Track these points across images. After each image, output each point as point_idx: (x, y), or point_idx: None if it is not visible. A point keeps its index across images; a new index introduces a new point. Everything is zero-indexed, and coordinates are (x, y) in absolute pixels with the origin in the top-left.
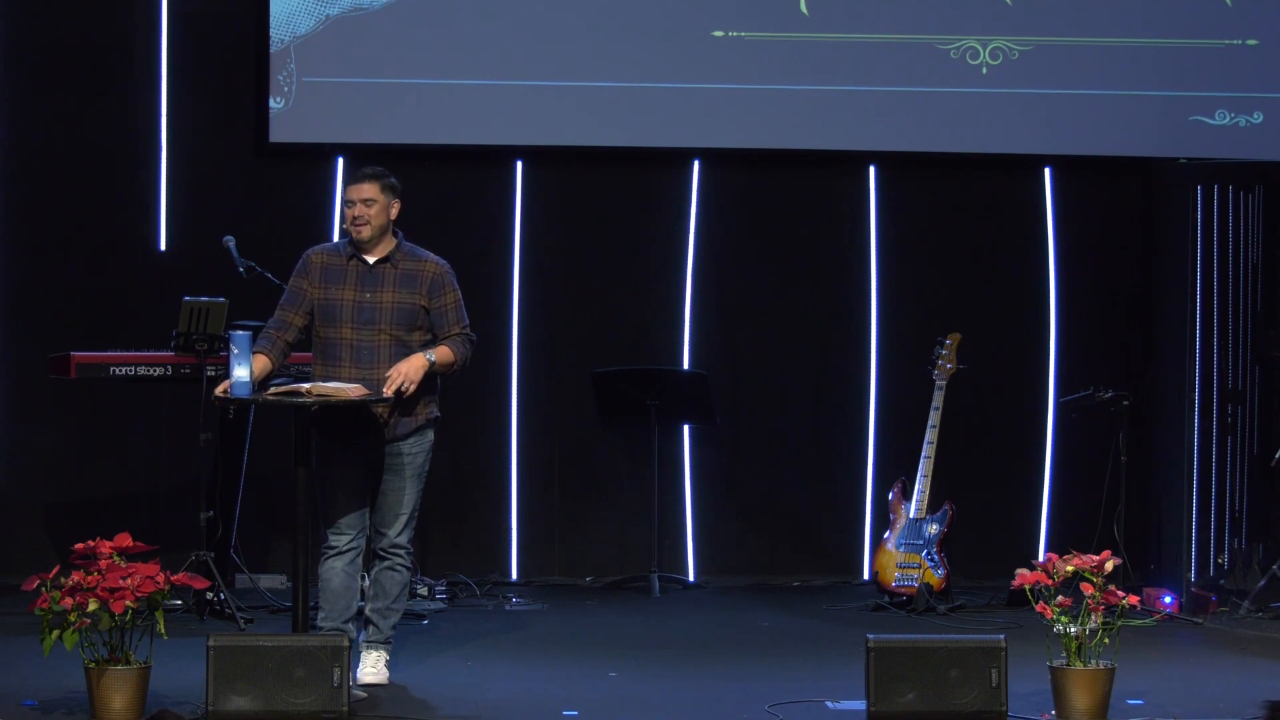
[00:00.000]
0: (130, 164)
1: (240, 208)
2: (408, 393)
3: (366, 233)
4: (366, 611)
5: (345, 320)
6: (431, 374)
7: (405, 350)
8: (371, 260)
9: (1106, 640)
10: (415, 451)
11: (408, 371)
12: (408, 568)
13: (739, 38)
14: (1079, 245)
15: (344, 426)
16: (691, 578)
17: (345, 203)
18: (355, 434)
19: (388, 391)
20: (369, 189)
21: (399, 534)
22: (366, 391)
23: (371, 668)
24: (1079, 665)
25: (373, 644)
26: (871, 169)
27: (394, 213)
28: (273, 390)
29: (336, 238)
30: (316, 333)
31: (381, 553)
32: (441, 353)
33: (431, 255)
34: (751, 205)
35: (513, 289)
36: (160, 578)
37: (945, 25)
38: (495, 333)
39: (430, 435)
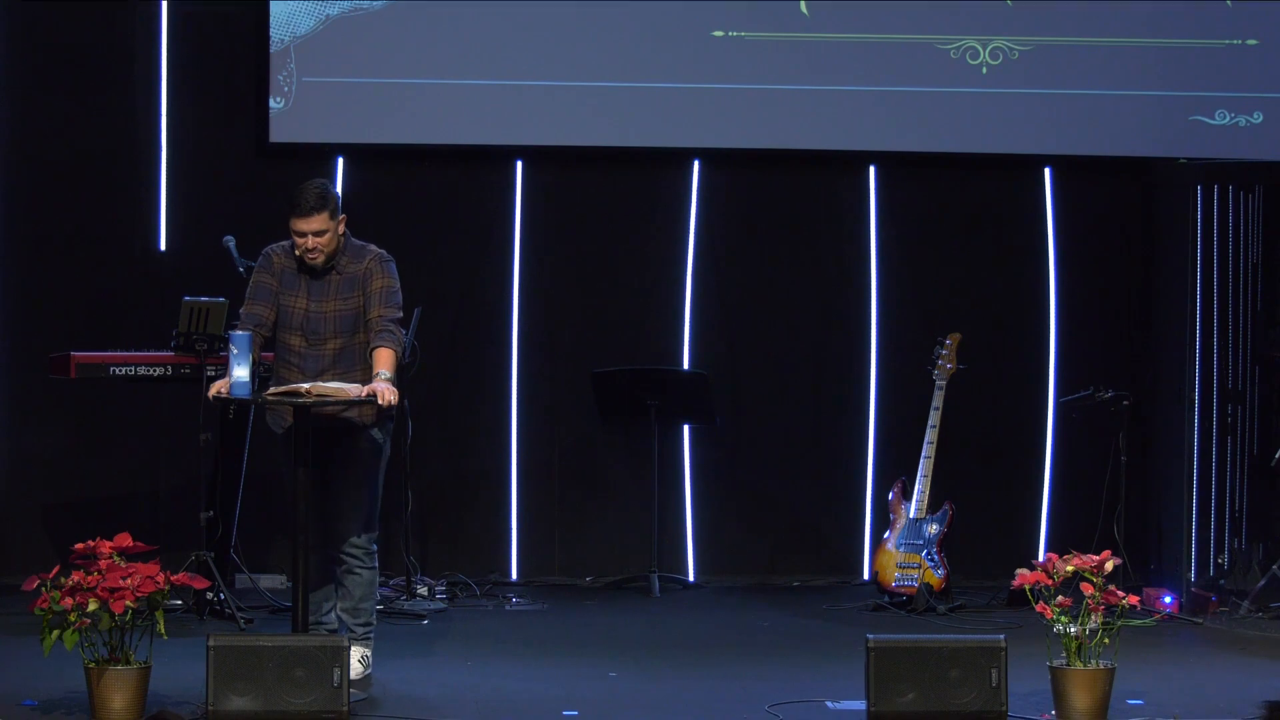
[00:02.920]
0: (130, 164)
1: (240, 208)
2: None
3: (320, 260)
4: (338, 612)
5: (296, 328)
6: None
7: (350, 354)
8: (318, 269)
9: (1106, 640)
10: (366, 448)
11: (383, 391)
12: (367, 565)
13: (739, 38)
14: (1079, 245)
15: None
16: (691, 578)
17: (296, 232)
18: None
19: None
20: (318, 221)
21: (354, 534)
22: (365, 391)
23: (359, 662)
24: (1079, 665)
25: (352, 640)
26: (871, 169)
27: (341, 228)
28: (273, 390)
29: None
30: (275, 334)
31: (340, 556)
32: (385, 363)
33: (372, 248)
34: (751, 205)
35: (513, 289)
36: (160, 578)
37: (945, 25)
38: (495, 333)
39: (378, 434)
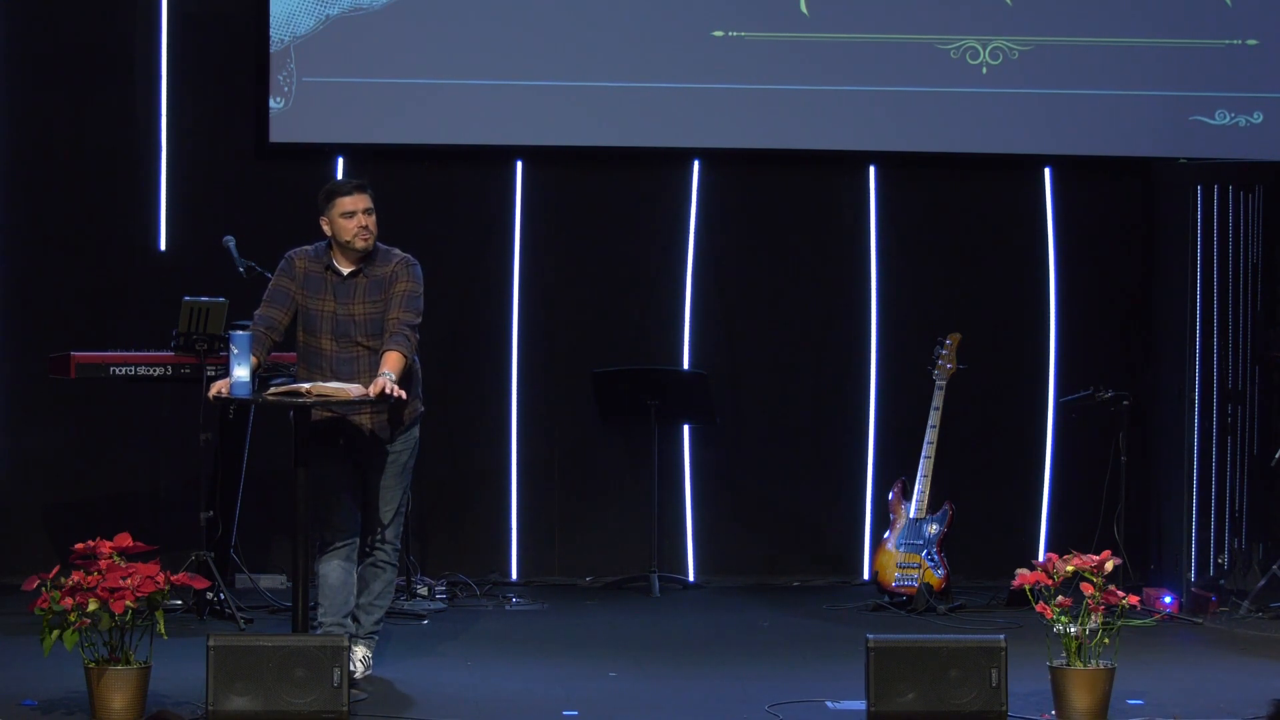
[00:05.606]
0: (130, 164)
1: (240, 208)
2: (394, 395)
3: (372, 241)
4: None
5: (325, 332)
6: (407, 372)
7: (380, 359)
8: (345, 271)
9: (1106, 640)
10: (402, 449)
11: (381, 381)
12: (393, 564)
13: (739, 38)
14: (1079, 245)
15: (336, 431)
16: (691, 578)
17: (345, 214)
18: (346, 436)
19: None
20: (368, 199)
21: (385, 530)
22: (366, 391)
23: (360, 661)
24: (1079, 665)
25: (356, 638)
26: (871, 169)
27: None
28: (273, 390)
29: None
30: (299, 338)
31: (367, 549)
32: (391, 364)
33: (398, 252)
34: (751, 205)
35: (513, 289)
36: (160, 578)
37: (945, 25)
38: (495, 333)
39: (415, 433)
